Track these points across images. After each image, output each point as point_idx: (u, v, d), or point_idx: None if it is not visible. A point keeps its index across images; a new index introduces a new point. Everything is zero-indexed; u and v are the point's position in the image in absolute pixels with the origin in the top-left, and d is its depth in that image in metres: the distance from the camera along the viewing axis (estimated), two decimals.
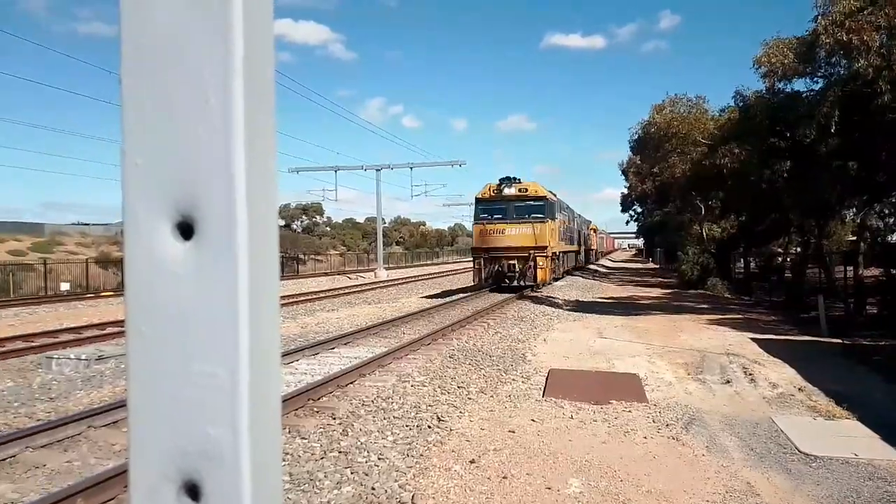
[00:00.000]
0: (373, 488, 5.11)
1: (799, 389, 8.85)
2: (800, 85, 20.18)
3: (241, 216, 0.52)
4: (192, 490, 0.52)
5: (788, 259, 30.43)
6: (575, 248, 37.46)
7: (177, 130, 0.52)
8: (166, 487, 0.52)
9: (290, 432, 6.45)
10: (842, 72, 17.78)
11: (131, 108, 0.53)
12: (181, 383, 0.52)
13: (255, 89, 0.53)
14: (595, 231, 65.05)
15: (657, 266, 62.35)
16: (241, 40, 0.51)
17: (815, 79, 19.34)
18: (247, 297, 0.52)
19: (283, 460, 5.62)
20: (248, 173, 0.52)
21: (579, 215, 43.28)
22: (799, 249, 27.47)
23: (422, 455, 5.90)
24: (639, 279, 40.66)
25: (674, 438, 6.57)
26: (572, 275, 37.44)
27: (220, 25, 0.51)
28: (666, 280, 38.02)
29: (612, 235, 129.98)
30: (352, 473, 5.42)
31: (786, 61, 18.56)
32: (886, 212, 22.89)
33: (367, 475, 5.38)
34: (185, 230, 0.53)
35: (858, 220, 22.59)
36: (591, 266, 55.17)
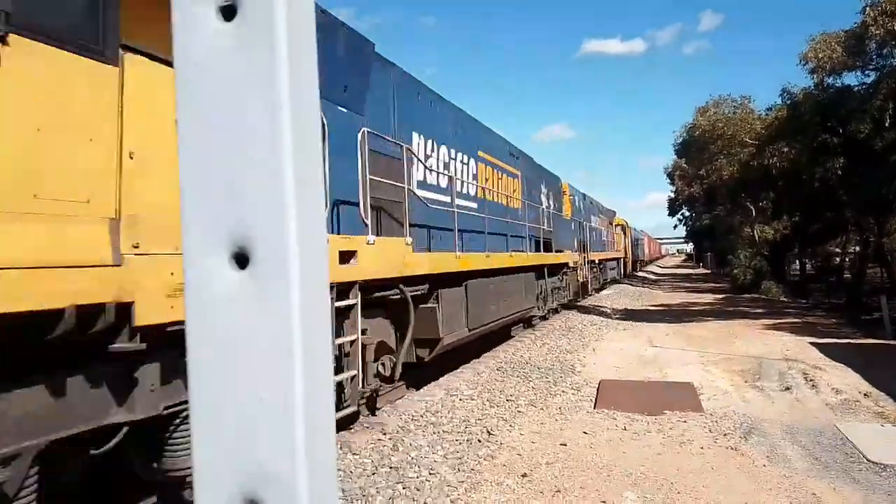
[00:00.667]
0: (425, 503, 5.10)
1: (864, 395, 8.48)
2: (850, 79, 19.56)
3: (293, 244, 0.54)
4: None
5: (847, 259, 29.34)
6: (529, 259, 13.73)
7: (229, 163, 0.55)
8: None
9: (342, 448, 6.50)
10: (894, 63, 17.15)
11: (187, 143, 0.56)
12: (240, 408, 0.55)
13: (301, 119, 0.55)
14: (625, 229, 42.14)
15: (708, 271, 60.90)
16: (286, 71, 0.53)
17: (867, 72, 18.75)
18: (299, 323, 0.54)
19: (336, 476, 5.66)
20: (298, 202, 0.54)
21: (582, 195, 23.99)
22: (858, 248, 26.46)
23: (473, 469, 5.86)
24: (689, 285, 39.76)
25: (732, 448, 6.37)
26: (619, 283, 36.80)
27: (266, 59, 0.53)
28: (717, 285, 37.09)
29: (658, 240, 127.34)
30: (403, 489, 5.42)
31: (834, 55, 18.03)
32: None
33: (418, 490, 5.37)
34: (241, 259, 0.55)
35: None
36: (639, 274, 53.87)
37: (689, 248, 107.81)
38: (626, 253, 41.35)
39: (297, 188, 0.54)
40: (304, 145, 0.55)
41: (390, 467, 5.96)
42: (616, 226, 36.88)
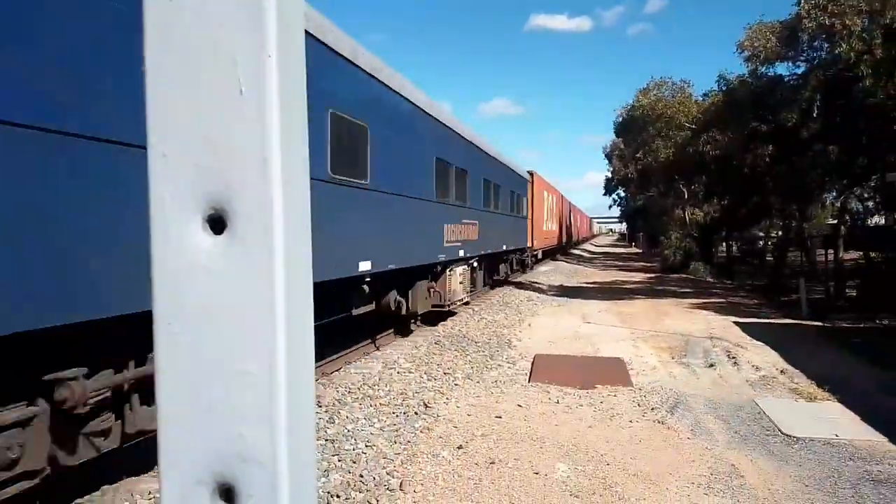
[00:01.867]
0: (361, 475, 5.10)
1: (781, 372, 8.96)
2: (782, 69, 20.30)
3: (278, 208, 0.50)
4: (227, 492, 0.51)
5: (770, 243, 30.79)
6: None
7: (207, 121, 0.51)
8: (199, 491, 0.51)
9: None
10: (824, 56, 17.93)
11: (157, 100, 0.51)
12: (215, 383, 0.51)
13: (288, 79, 0.51)
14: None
15: (640, 251, 62.78)
16: (274, 29, 0.49)
17: (798, 63, 19.50)
18: (283, 291, 0.51)
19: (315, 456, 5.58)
20: (283, 164, 0.50)
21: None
22: (780, 233, 27.77)
23: (409, 442, 5.90)
24: (622, 264, 40.92)
25: (659, 422, 6.63)
26: (556, 260, 37.54)
27: (254, 13, 0.49)
28: (649, 264, 38.30)
29: (595, 219, 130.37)
30: (339, 461, 5.41)
31: (769, 45, 18.65)
32: (866, 195, 23.17)
33: (354, 462, 5.38)
34: (216, 223, 0.51)
35: (839, 204, 22.85)
36: (574, 251, 54.96)
37: (623, 227, 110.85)
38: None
39: (282, 146, 0.50)
40: (289, 97, 0.51)
41: (326, 440, 5.93)
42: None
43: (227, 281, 0.51)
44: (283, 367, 0.50)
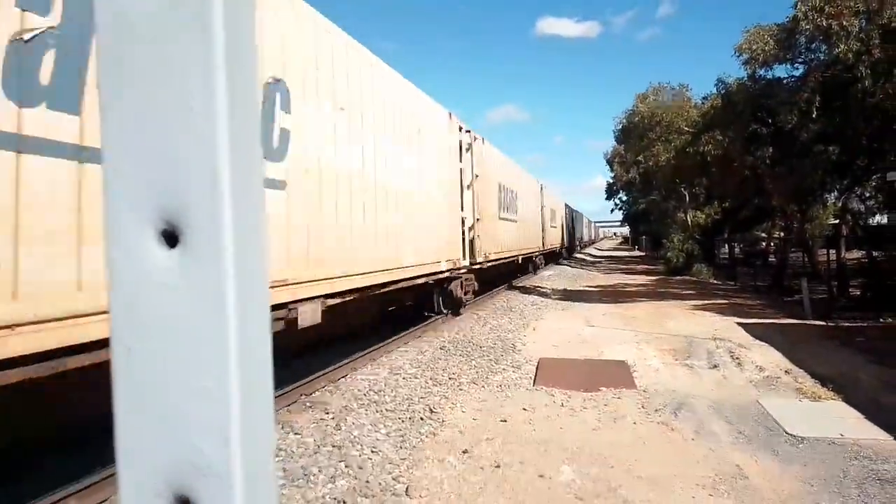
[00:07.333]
0: (367, 481, 5.14)
1: (785, 372, 8.98)
2: (780, 71, 20.33)
3: (227, 221, 0.50)
4: None
5: (772, 244, 30.79)
6: None
7: (160, 136, 0.51)
8: (156, 503, 0.52)
9: (283, 428, 6.47)
10: (822, 57, 17.92)
11: (111, 115, 0.52)
12: (170, 397, 0.51)
13: (239, 91, 0.52)
14: None
15: (643, 253, 62.73)
16: (222, 42, 0.50)
17: (796, 65, 19.49)
18: (234, 304, 0.50)
19: (277, 456, 5.64)
20: (233, 177, 0.51)
21: None
22: (782, 234, 27.76)
23: (415, 447, 5.93)
24: (625, 267, 40.90)
25: (663, 424, 6.65)
26: (559, 264, 37.57)
27: (201, 27, 0.50)
28: (652, 267, 38.29)
29: (597, 223, 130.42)
30: (346, 467, 5.45)
31: (766, 48, 18.66)
32: (867, 195, 23.17)
33: (361, 468, 5.41)
34: (171, 237, 0.51)
35: (840, 204, 22.86)
36: (578, 255, 55.02)
37: (626, 231, 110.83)
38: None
39: (231, 159, 0.50)
40: (240, 110, 0.52)
41: (333, 446, 5.97)
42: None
43: (181, 294, 0.51)
44: (236, 379, 0.51)
